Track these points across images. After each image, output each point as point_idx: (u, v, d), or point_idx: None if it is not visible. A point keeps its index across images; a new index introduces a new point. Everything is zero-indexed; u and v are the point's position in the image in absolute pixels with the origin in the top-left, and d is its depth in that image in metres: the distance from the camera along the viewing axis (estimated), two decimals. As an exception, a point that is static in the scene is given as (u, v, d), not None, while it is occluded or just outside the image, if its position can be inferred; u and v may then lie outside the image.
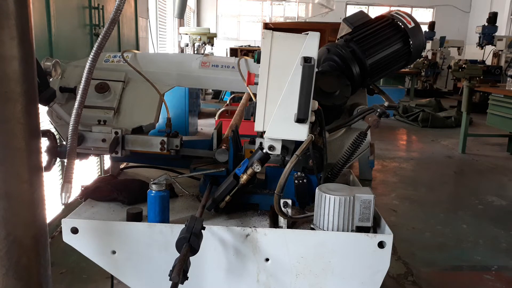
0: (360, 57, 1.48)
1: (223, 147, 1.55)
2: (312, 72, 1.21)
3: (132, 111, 1.50)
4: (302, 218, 1.37)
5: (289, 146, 1.35)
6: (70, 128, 1.13)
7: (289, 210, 1.32)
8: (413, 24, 1.50)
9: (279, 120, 1.27)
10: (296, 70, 1.23)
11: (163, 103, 1.54)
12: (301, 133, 1.28)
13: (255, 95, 1.32)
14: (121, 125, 1.45)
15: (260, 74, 1.27)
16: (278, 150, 1.32)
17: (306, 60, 1.21)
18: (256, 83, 1.29)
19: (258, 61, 1.28)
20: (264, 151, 1.33)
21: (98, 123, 1.45)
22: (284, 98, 1.26)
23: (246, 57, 1.52)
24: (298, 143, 1.35)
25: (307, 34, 1.24)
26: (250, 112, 1.37)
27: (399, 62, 1.57)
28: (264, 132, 1.29)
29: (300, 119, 1.24)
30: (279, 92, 1.26)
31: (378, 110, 1.40)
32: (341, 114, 1.56)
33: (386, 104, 1.45)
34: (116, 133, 1.42)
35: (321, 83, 1.37)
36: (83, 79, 1.14)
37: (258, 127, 1.30)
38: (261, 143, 1.36)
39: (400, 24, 1.52)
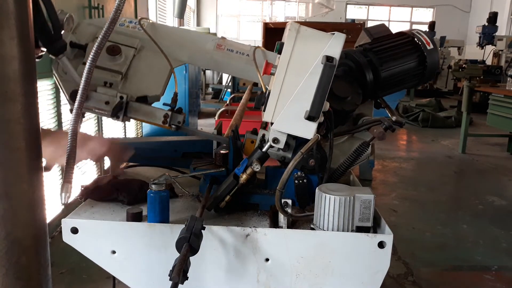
0: (376, 68, 1.49)
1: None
2: (332, 72, 1.21)
3: (140, 79, 1.46)
4: (302, 217, 1.37)
5: (290, 143, 1.35)
6: (70, 128, 1.13)
7: (289, 210, 1.32)
8: (431, 46, 1.52)
9: (289, 114, 1.27)
10: (316, 67, 1.23)
11: (170, 78, 1.51)
12: (309, 130, 1.28)
13: (265, 85, 1.32)
14: (126, 91, 1.42)
15: (279, 65, 1.27)
16: (282, 144, 1.32)
17: (329, 59, 1.21)
18: (272, 74, 1.29)
19: (279, 52, 1.28)
20: (268, 143, 1.33)
21: (104, 85, 1.41)
22: (299, 94, 1.26)
23: (262, 48, 1.49)
24: (299, 141, 1.35)
25: (333, 34, 1.24)
26: (260, 102, 1.37)
27: (411, 81, 1.58)
28: (272, 123, 1.29)
29: (311, 117, 1.24)
30: (295, 87, 1.26)
31: (385, 123, 1.41)
32: (347, 121, 1.57)
33: (394, 118, 1.45)
34: (121, 97, 1.39)
35: (334, 86, 1.37)
36: (83, 79, 1.13)
37: (267, 117, 1.30)
38: (263, 135, 1.37)
39: (420, 43, 1.52)
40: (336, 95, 1.41)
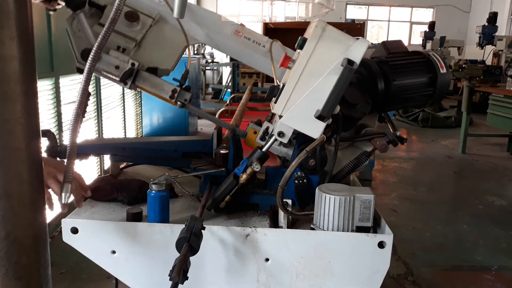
0: (388, 79, 1.51)
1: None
2: (351, 75, 1.23)
3: (153, 50, 1.45)
4: (303, 215, 1.38)
5: (292, 140, 1.36)
6: (70, 128, 1.13)
7: (289, 210, 1.32)
8: (444, 70, 1.55)
9: (300, 110, 1.28)
10: (335, 68, 1.24)
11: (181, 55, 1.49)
12: (316, 130, 1.29)
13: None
14: (138, 59, 1.41)
15: (298, 60, 1.28)
16: (286, 138, 1.34)
17: (350, 62, 1.22)
18: (289, 68, 1.30)
19: (301, 47, 1.28)
20: (273, 137, 1.34)
21: (116, 49, 1.40)
22: (313, 92, 1.27)
23: (279, 42, 1.49)
24: (300, 140, 1.36)
25: (358, 38, 1.26)
26: (273, 93, 1.37)
27: (419, 100, 1.60)
28: (280, 117, 1.30)
29: (321, 116, 1.25)
30: (310, 84, 1.27)
31: (389, 136, 1.43)
32: (351, 128, 1.58)
33: (398, 133, 1.47)
34: (133, 64, 1.38)
35: (346, 91, 1.39)
36: (83, 80, 1.13)
37: (277, 110, 1.31)
38: (267, 128, 1.37)
39: (434, 65, 1.56)
40: (346, 101, 1.42)
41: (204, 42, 1.51)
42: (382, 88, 1.51)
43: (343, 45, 1.25)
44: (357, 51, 1.24)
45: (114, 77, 1.39)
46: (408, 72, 1.54)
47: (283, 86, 1.31)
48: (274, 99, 1.37)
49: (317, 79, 1.26)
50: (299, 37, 1.30)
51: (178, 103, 1.43)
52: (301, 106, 1.28)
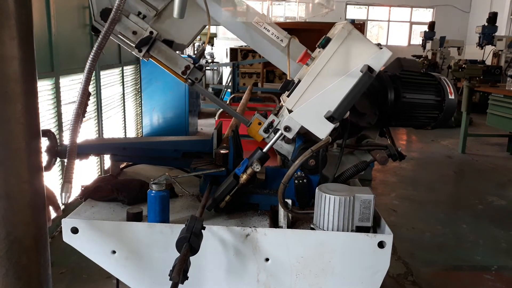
0: (399, 95, 1.53)
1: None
2: (369, 83, 1.24)
3: (172, 23, 1.44)
4: (303, 214, 1.38)
5: (294, 138, 1.37)
6: (70, 128, 1.14)
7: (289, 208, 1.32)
8: (453, 96, 1.57)
9: (311, 108, 1.29)
10: (354, 73, 1.26)
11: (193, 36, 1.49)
12: (324, 130, 1.30)
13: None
14: (156, 29, 1.40)
15: (319, 59, 1.28)
16: (292, 134, 1.35)
17: (370, 69, 1.23)
18: (307, 65, 1.31)
19: (323, 46, 1.29)
20: (279, 132, 1.35)
21: (137, 14, 1.40)
22: (328, 92, 1.28)
23: (297, 39, 1.49)
24: (302, 140, 1.37)
25: (382, 48, 1.27)
26: (287, 87, 1.38)
27: (424, 121, 1.63)
28: (290, 111, 1.31)
29: (332, 117, 1.26)
30: (326, 84, 1.28)
31: (391, 150, 1.45)
32: (353, 136, 1.59)
33: (399, 149, 1.49)
34: (151, 33, 1.38)
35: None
36: (83, 80, 1.13)
37: (289, 104, 1.32)
38: (273, 121, 1.38)
39: (443, 90, 1.58)
40: (355, 109, 1.44)
41: (223, 25, 1.51)
42: (391, 100, 1.53)
43: (366, 51, 1.26)
44: (378, 60, 1.26)
45: (129, 43, 1.39)
46: (418, 91, 1.58)
47: (299, 81, 1.32)
48: (287, 92, 1.38)
49: (334, 80, 1.27)
50: (324, 36, 1.31)
51: (189, 80, 1.42)
52: (313, 104, 1.29)
